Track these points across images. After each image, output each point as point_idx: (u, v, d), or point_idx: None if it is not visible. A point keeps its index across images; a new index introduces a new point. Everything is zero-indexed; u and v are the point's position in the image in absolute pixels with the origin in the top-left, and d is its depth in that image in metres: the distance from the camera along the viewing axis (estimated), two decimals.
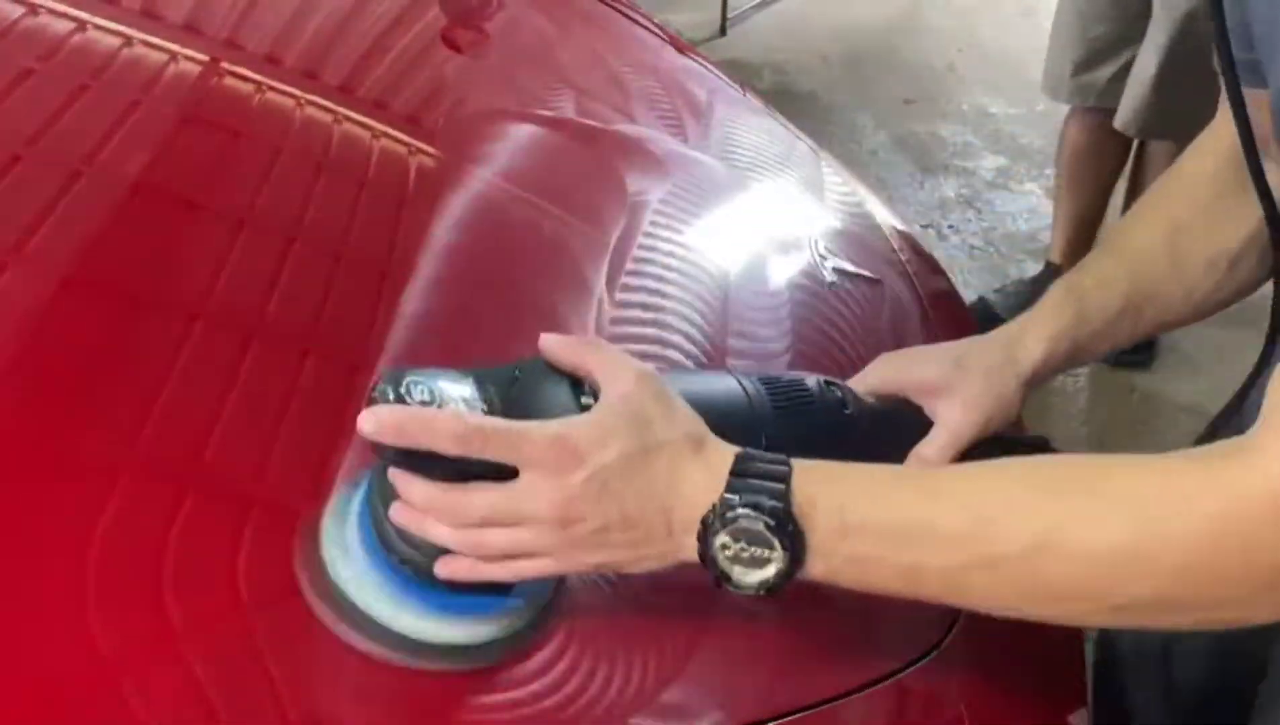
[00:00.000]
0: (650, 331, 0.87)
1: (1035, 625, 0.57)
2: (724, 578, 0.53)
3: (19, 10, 0.84)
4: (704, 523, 0.52)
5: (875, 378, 0.72)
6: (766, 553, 0.52)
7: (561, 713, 0.58)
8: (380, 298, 0.77)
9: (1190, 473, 0.50)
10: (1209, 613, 0.51)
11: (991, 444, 0.70)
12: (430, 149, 0.95)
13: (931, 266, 1.23)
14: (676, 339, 0.86)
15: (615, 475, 0.52)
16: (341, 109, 0.92)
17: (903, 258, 1.18)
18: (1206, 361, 2.32)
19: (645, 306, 0.90)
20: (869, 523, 0.53)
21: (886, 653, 0.70)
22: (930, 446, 0.70)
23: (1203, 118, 0.75)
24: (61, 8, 0.88)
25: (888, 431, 0.68)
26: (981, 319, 2.30)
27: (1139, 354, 2.29)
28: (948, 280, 1.26)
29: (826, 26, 3.43)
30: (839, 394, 0.67)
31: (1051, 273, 2.42)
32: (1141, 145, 2.26)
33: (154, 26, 0.91)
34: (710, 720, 0.61)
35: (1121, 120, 2.15)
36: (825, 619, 0.67)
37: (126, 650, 0.52)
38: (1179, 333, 2.39)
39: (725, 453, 0.54)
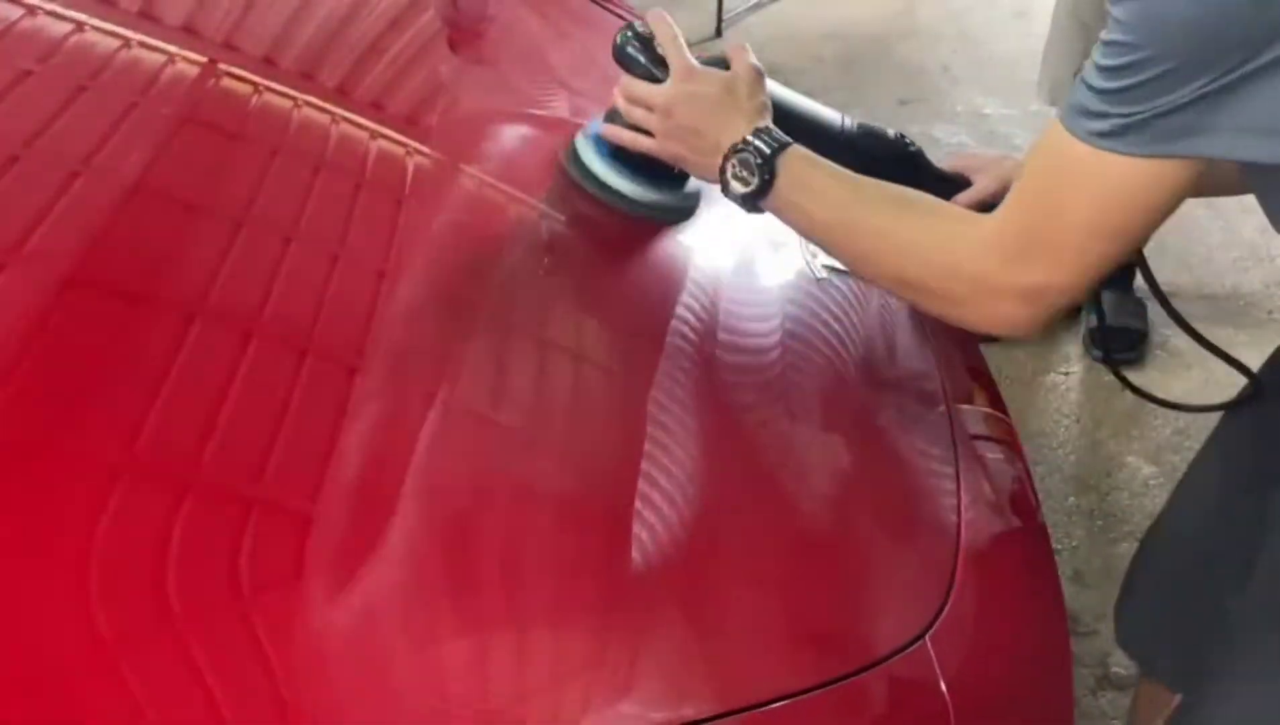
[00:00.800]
0: (639, 325, 0.88)
1: (1020, 612, 0.58)
2: (725, 186, 0.85)
3: (18, 11, 0.85)
4: (729, 148, 0.84)
5: (948, 163, 1.00)
6: (750, 178, 0.83)
7: (541, 701, 0.59)
8: (377, 297, 0.77)
9: (949, 227, 0.78)
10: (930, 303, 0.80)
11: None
12: (426, 150, 0.95)
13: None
14: (665, 333, 0.87)
15: (701, 101, 0.87)
16: (338, 110, 0.93)
17: None
18: (1197, 358, 2.33)
19: (635, 301, 0.91)
20: (812, 184, 0.83)
21: (870, 641, 0.71)
22: (964, 197, 0.95)
23: None
24: (60, 9, 0.88)
25: (952, 187, 0.96)
26: None
27: (1130, 351, 2.29)
28: None
29: (821, 28, 3.43)
30: (905, 139, 0.97)
31: None
32: None
33: (152, 28, 0.92)
34: (691, 706, 0.62)
35: None
36: (810, 606, 0.68)
37: (123, 648, 0.53)
38: (1169, 329, 2.40)
39: (762, 123, 0.86)
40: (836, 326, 0.98)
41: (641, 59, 0.90)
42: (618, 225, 0.97)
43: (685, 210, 0.96)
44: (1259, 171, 0.74)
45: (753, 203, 0.84)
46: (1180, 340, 2.38)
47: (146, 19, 0.94)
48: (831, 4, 3.57)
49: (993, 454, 0.97)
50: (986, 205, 0.87)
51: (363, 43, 1.05)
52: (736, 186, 0.83)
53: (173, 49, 0.89)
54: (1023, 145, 3.07)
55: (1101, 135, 0.66)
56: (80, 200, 0.72)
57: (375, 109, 0.97)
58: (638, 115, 0.89)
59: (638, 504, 0.71)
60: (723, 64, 0.89)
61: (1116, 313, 2.27)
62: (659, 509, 0.71)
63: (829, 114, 0.96)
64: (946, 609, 0.75)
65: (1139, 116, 0.64)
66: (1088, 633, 1.76)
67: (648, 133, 0.90)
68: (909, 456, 0.90)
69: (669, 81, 0.88)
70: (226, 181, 0.81)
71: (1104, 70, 0.65)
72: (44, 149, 0.75)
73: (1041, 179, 0.72)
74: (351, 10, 1.09)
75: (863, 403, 0.94)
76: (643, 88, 0.89)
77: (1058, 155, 0.69)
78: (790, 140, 0.84)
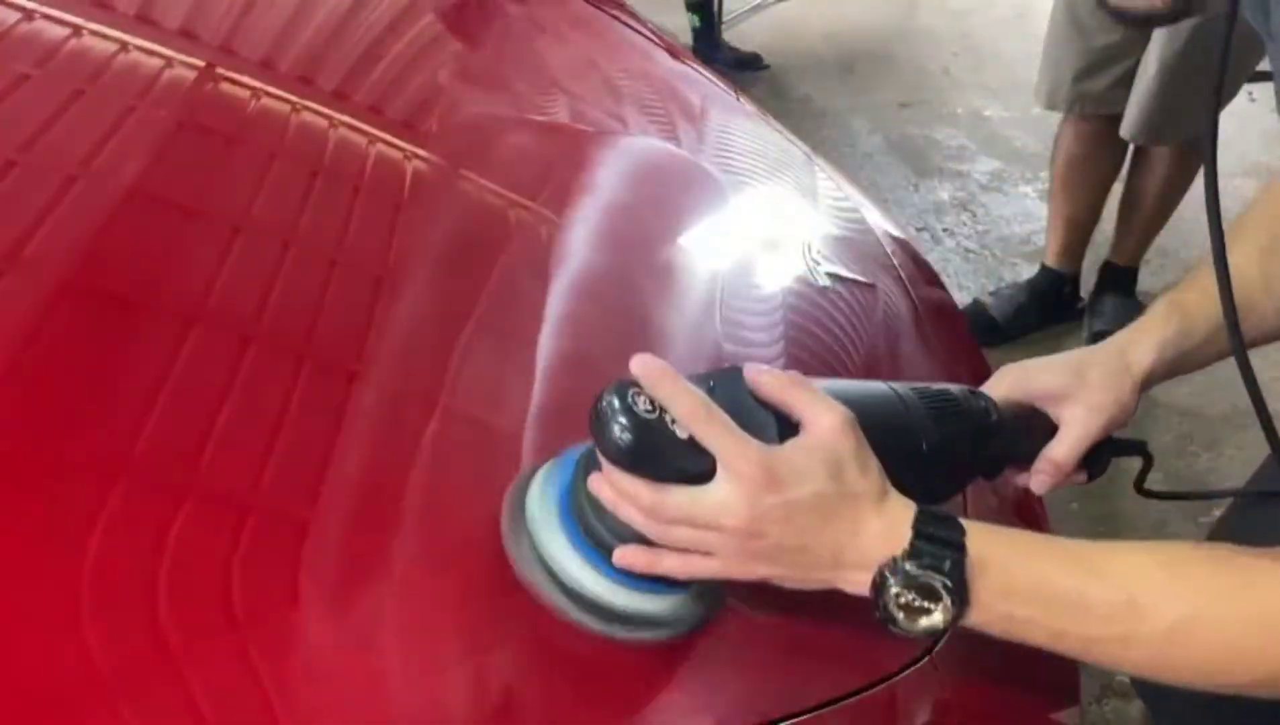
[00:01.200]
0: (643, 334, 0.87)
1: None
2: (890, 621, 0.59)
3: (15, 16, 0.84)
4: (882, 571, 0.58)
5: (1002, 388, 0.77)
6: (932, 604, 0.57)
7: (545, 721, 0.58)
8: (376, 304, 0.77)
9: None
10: None
11: (1104, 445, 0.77)
12: (425, 154, 0.95)
13: (925, 270, 1.23)
14: (669, 342, 0.86)
15: (805, 509, 0.58)
16: (337, 115, 0.92)
17: (896, 262, 1.18)
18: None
19: (639, 311, 0.90)
20: (1029, 590, 0.59)
21: (880, 656, 0.70)
22: (1060, 447, 0.77)
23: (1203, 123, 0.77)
24: (56, 13, 0.88)
25: (1023, 435, 0.75)
26: (975, 321, 2.31)
27: None
28: (941, 284, 1.26)
29: (821, 30, 3.44)
30: (982, 403, 0.72)
31: (1048, 276, 2.42)
32: (1138, 149, 2.27)
33: (149, 32, 0.91)
34: None
35: (1129, 130, 2.14)
36: (818, 624, 0.67)
37: (121, 659, 0.52)
38: None
39: (904, 509, 0.60)
40: (839, 334, 0.97)
41: (660, 453, 0.57)
42: (619, 231, 0.96)
43: (690, 621, 0.63)
44: None
45: (941, 636, 0.62)
46: None
47: (145, 23, 0.93)
48: (831, 7, 3.57)
49: None
50: (1091, 449, 0.75)
51: (361, 47, 1.04)
52: (910, 622, 0.58)
53: (170, 53, 0.89)
54: (1022, 147, 3.07)
55: None
56: (78, 205, 0.72)
57: (373, 114, 0.97)
58: (683, 536, 0.58)
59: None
60: (748, 400, 0.60)
61: (1117, 316, 2.27)
62: None
63: (881, 392, 0.68)
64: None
65: None
66: None
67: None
68: None
69: (727, 485, 0.57)
70: (224, 187, 0.80)
71: None
72: (41, 154, 0.74)
73: None
74: (349, 15, 1.09)
75: None
76: (685, 505, 0.57)
77: None
78: (961, 525, 0.59)
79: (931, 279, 1.23)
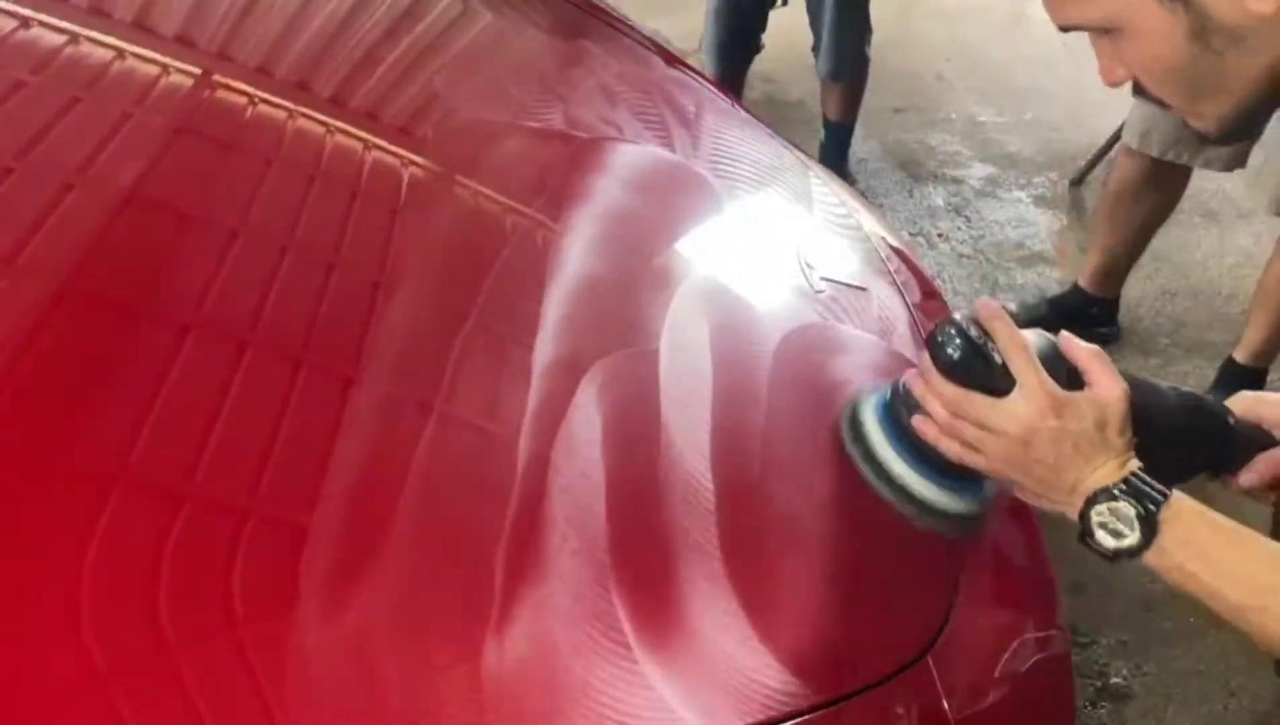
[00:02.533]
0: (637, 338, 0.87)
1: (1020, 627, 0.58)
2: (1086, 534, 0.74)
3: (13, 23, 0.85)
4: (1095, 492, 0.73)
5: (1238, 407, 0.86)
6: (1126, 531, 0.72)
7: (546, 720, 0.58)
8: (373, 309, 0.77)
9: None
10: None
11: None
12: (421, 160, 0.95)
13: (919, 275, 1.23)
14: (666, 345, 0.87)
15: (1069, 441, 0.74)
16: (333, 121, 0.92)
17: (890, 267, 1.19)
18: (1194, 368, 2.33)
19: (632, 316, 0.91)
20: (1203, 547, 0.72)
21: (873, 659, 0.71)
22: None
23: None
24: (54, 21, 0.88)
25: (1252, 445, 0.84)
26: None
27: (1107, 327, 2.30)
28: (935, 289, 1.26)
29: None
30: (1223, 410, 0.84)
31: (1079, 296, 2.34)
32: None
33: (147, 40, 0.92)
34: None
35: (1270, 205, 2.01)
36: (812, 626, 0.68)
37: (120, 662, 0.52)
38: (1166, 338, 2.41)
39: (1134, 466, 0.74)
40: (835, 342, 0.97)
41: (978, 368, 0.74)
42: (613, 235, 0.97)
43: (977, 519, 0.82)
44: None
45: (1126, 559, 0.73)
46: (1177, 348, 2.39)
47: (142, 30, 0.94)
48: None
49: None
50: None
51: (356, 54, 1.04)
52: (1105, 539, 0.73)
53: (168, 60, 0.89)
54: (1016, 152, 3.08)
55: None
56: (75, 211, 0.72)
57: (371, 120, 0.97)
58: (969, 433, 0.76)
59: (636, 523, 0.70)
60: (1058, 359, 0.76)
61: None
62: (658, 529, 0.70)
63: (1154, 387, 0.82)
64: (948, 626, 0.74)
65: None
66: (1087, 643, 1.76)
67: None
68: None
69: (1023, 406, 0.74)
70: (222, 193, 0.80)
71: None
72: (39, 160, 0.74)
73: None
74: (345, 23, 1.09)
75: None
76: (984, 405, 0.75)
77: None
78: (1170, 490, 0.73)
79: (926, 284, 1.23)
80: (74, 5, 0.94)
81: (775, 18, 2.65)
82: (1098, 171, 2.87)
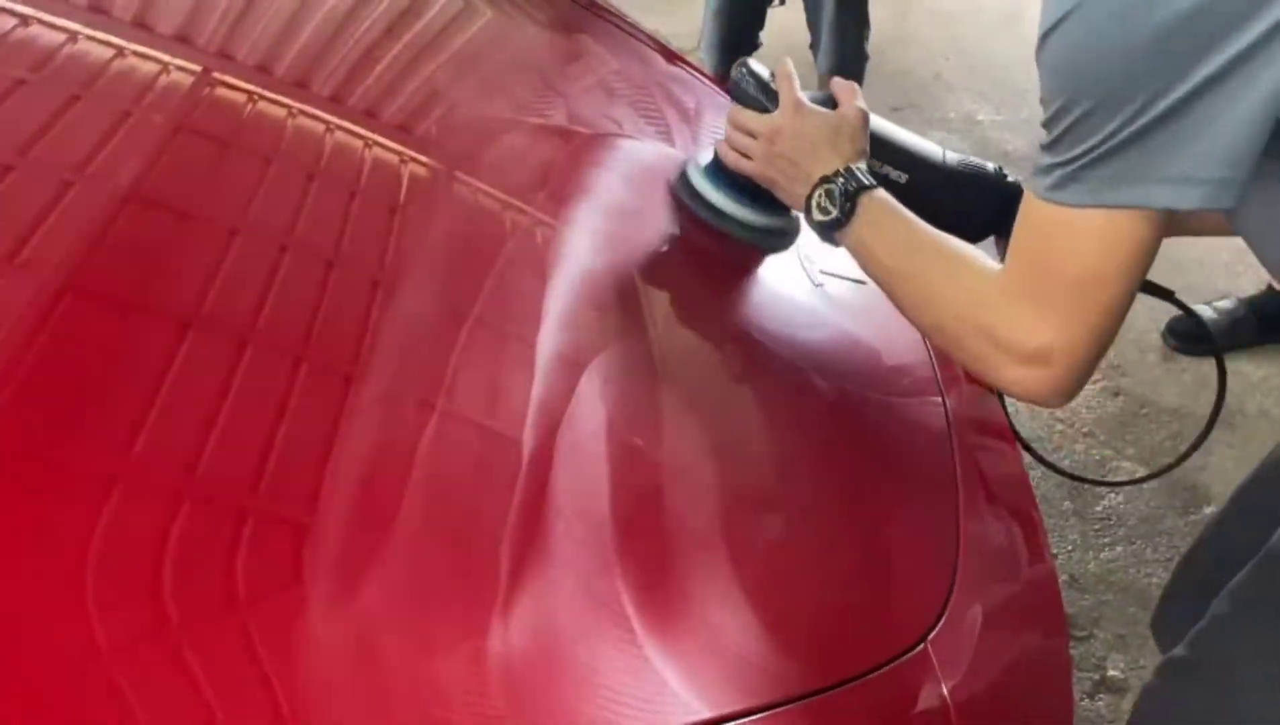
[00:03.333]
0: (637, 333, 0.88)
1: (1019, 616, 0.59)
2: (807, 214, 0.91)
3: (11, 21, 0.85)
4: (819, 178, 0.90)
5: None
6: (831, 209, 0.88)
7: (538, 710, 0.59)
8: (374, 306, 0.77)
9: (978, 282, 0.81)
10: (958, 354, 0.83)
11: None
12: (422, 157, 0.95)
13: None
14: (661, 335, 0.87)
15: (805, 139, 0.92)
16: (334, 118, 0.93)
17: None
18: (1191, 364, 2.34)
19: (632, 311, 0.91)
20: (885, 227, 0.87)
21: (871, 645, 0.71)
22: None
23: None
24: (52, 18, 0.88)
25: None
26: (1189, 332, 2.19)
27: None
28: None
29: None
30: (1004, 176, 1.00)
31: (1274, 299, 2.26)
32: None
33: (147, 37, 0.92)
34: (690, 712, 0.62)
35: None
36: (811, 612, 0.68)
37: (120, 656, 0.52)
38: (1161, 339, 2.41)
39: (859, 165, 0.91)
40: (834, 332, 0.98)
41: (752, 90, 0.96)
42: (612, 230, 0.97)
43: (788, 235, 1.02)
44: (1231, 217, 0.78)
45: (829, 233, 0.90)
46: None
47: (142, 28, 0.94)
48: None
49: (991, 458, 0.98)
50: None
51: (357, 51, 1.05)
52: (817, 215, 0.89)
53: (168, 58, 0.89)
54: (1014, 151, 3.08)
55: (1051, 189, 0.70)
56: (76, 210, 0.72)
57: (371, 116, 0.97)
58: (741, 141, 0.96)
59: (638, 512, 0.71)
60: (830, 102, 0.95)
61: None
62: (660, 516, 0.71)
63: (931, 148, 1.00)
64: (947, 613, 0.75)
65: (1073, 167, 0.68)
66: (1084, 636, 1.76)
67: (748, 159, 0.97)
68: (908, 461, 0.90)
69: (777, 113, 0.94)
70: (221, 191, 0.81)
71: (1043, 126, 0.71)
72: (38, 159, 0.75)
73: (1024, 235, 0.75)
74: (347, 19, 1.09)
75: (861, 408, 0.94)
76: (750, 116, 0.95)
77: (1031, 211, 0.74)
78: (876, 183, 0.88)
79: None
80: (73, 3, 0.94)
81: (773, 16, 2.65)
82: None
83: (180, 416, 0.62)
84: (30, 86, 0.80)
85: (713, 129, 1.30)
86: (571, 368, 0.81)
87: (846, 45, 2.58)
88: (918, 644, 0.73)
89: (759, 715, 0.63)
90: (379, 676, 0.57)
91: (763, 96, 0.96)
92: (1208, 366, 2.30)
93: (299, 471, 0.63)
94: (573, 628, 0.62)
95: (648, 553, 0.69)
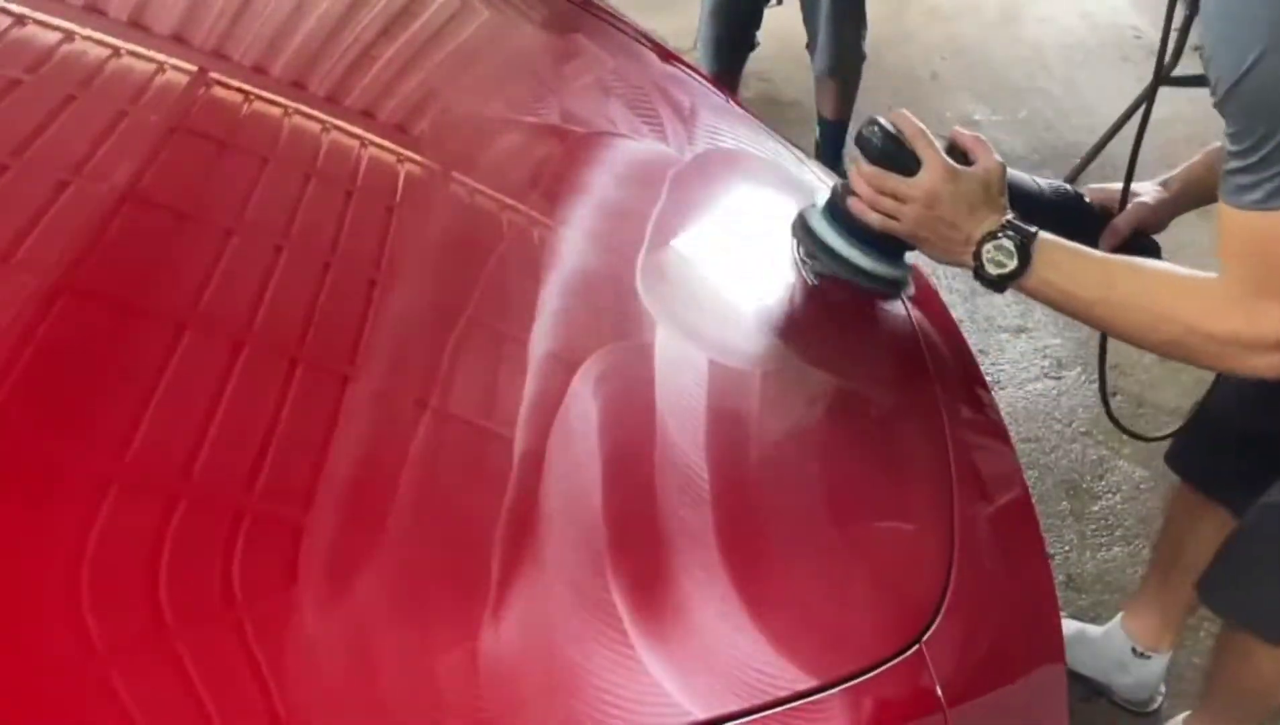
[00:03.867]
0: (633, 334, 0.88)
1: (1014, 617, 0.58)
2: (980, 271, 0.97)
3: (7, 21, 0.85)
4: (984, 235, 0.95)
5: (1099, 194, 1.19)
6: (1008, 261, 0.94)
7: (534, 712, 0.58)
8: (368, 306, 0.77)
9: (1193, 301, 0.91)
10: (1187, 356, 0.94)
11: (1139, 234, 1.17)
12: (417, 156, 0.95)
13: (914, 270, 1.24)
14: (660, 337, 0.87)
15: (964, 201, 0.96)
16: (330, 118, 0.93)
17: None
18: (1186, 365, 2.34)
19: (629, 311, 0.91)
20: (1064, 264, 0.95)
21: (866, 646, 0.71)
22: (1121, 220, 1.16)
23: None
24: (49, 19, 0.88)
25: (1108, 217, 1.16)
26: None
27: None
28: (929, 283, 1.27)
29: None
30: (1083, 195, 1.17)
31: None
32: None
33: (143, 38, 0.92)
34: (682, 714, 0.62)
35: None
36: (805, 612, 0.68)
37: (116, 658, 0.52)
38: None
39: (1011, 215, 0.97)
40: (831, 333, 0.98)
41: (891, 149, 0.98)
42: (611, 230, 0.97)
43: (904, 282, 1.08)
44: None
45: (1008, 283, 0.96)
46: None
47: (137, 28, 0.94)
48: None
49: (987, 458, 0.98)
50: (1125, 236, 1.14)
51: (353, 51, 1.05)
52: (993, 269, 0.95)
53: (163, 58, 0.89)
54: (1010, 151, 3.08)
55: (1260, 202, 0.83)
56: (72, 209, 0.72)
57: (367, 117, 0.97)
58: (887, 205, 0.98)
59: (631, 515, 0.71)
60: (955, 151, 1.01)
61: None
62: (652, 518, 0.71)
63: (1025, 178, 1.11)
64: (942, 614, 0.75)
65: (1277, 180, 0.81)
66: None
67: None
68: (904, 461, 0.90)
69: (926, 176, 0.97)
70: (218, 191, 0.81)
71: (1238, 154, 0.83)
72: (35, 159, 0.75)
73: (1238, 244, 0.86)
74: (343, 19, 1.09)
75: (858, 408, 0.94)
76: (898, 181, 0.98)
77: (1239, 224, 0.85)
78: (1037, 228, 0.95)
79: (920, 278, 1.23)
80: (69, 4, 0.94)
81: (770, 16, 2.65)
82: (1091, 168, 2.87)
83: (174, 417, 0.62)
84: (25, 87, 0.80)
85: (710, 128, 1.30)
86: (566, 368, 0.81)
87: (843, 44, 2.59)
88: (912, 645, 0.72)
89: (753, 717, 0.63)
90: (373, 677, 0.57)
91: (899, 153, 0.97)
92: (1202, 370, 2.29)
93: (292, 472, 0.63)
94: (565, 629, 0.62)
95: (640, 555, 0.69)
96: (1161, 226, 1.20)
